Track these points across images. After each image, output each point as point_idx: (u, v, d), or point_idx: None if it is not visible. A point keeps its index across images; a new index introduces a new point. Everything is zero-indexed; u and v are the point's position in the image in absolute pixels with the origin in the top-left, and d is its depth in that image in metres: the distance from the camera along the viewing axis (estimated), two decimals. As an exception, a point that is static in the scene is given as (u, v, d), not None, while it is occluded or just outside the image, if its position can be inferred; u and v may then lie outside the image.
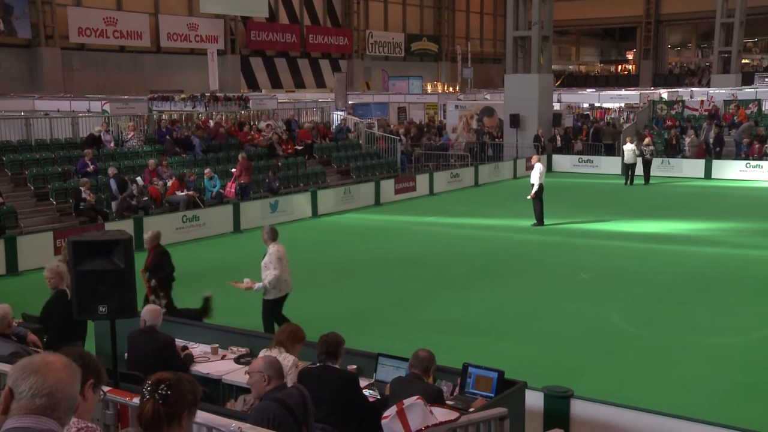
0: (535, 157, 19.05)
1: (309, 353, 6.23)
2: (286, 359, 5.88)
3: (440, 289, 12.83)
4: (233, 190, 19.88)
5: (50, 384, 2.34)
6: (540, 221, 18.16)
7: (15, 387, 2.34)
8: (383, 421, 4.56)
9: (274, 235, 9.50)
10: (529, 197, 18.12)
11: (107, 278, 5.44)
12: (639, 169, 25.49)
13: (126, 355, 7.05)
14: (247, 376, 5.24)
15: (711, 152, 28.18)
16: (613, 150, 29.27)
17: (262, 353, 5.95)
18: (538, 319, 11.16)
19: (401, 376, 5.85)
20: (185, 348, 7.38)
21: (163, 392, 2.88)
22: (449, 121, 33.51)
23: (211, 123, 23.95)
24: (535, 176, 17.79)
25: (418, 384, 5.43)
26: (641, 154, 25.38)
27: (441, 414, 4.70)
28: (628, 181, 25.53)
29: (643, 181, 25.42)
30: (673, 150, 28.33)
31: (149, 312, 7.05)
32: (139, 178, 18.69)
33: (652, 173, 25.74)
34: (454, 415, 4.77)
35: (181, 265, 14.82)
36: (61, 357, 2.49)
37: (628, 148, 25.33)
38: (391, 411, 4.57)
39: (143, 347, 6.80)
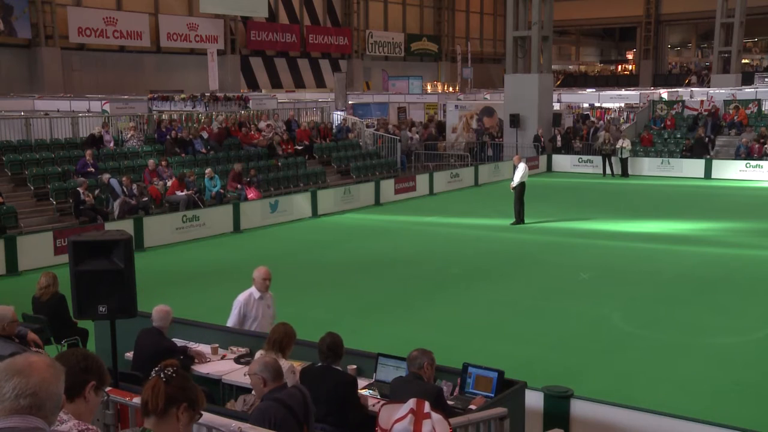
0: (516, 158, 19.38)
1: (310, 353, 6.23)
2: (282, 364, 5.90)
3: (440, 289, 12.83)
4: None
5: (34, 384, 2.35)
6: (519, 220, 18.35)
7: None
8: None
9: None
10: (512, 189, 18.51)
11: (107, 278, 5.45)
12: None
13: (130, 353, 7.06)
14: (248, 377, 5.28)
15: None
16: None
17: (258, 354, 5.98)
18: (538, 319, 11.16)
19: (401, 376, 5.86)
20: (185, 348, 7.34)
21: (169, 373, 2.92)
22: (449, 121, 33.52)
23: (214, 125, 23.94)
24: (518, 175, 18.15)
25: (418, 384, 5.43)
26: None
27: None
28: (623, 173, 27.88)
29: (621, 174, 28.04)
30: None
31: (156, 312, 6.97)
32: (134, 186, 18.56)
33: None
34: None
35: (181, 265, 14.87)
36: (45, 357, 2.50)
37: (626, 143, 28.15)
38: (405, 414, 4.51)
39: (146, 348, 6.80)
